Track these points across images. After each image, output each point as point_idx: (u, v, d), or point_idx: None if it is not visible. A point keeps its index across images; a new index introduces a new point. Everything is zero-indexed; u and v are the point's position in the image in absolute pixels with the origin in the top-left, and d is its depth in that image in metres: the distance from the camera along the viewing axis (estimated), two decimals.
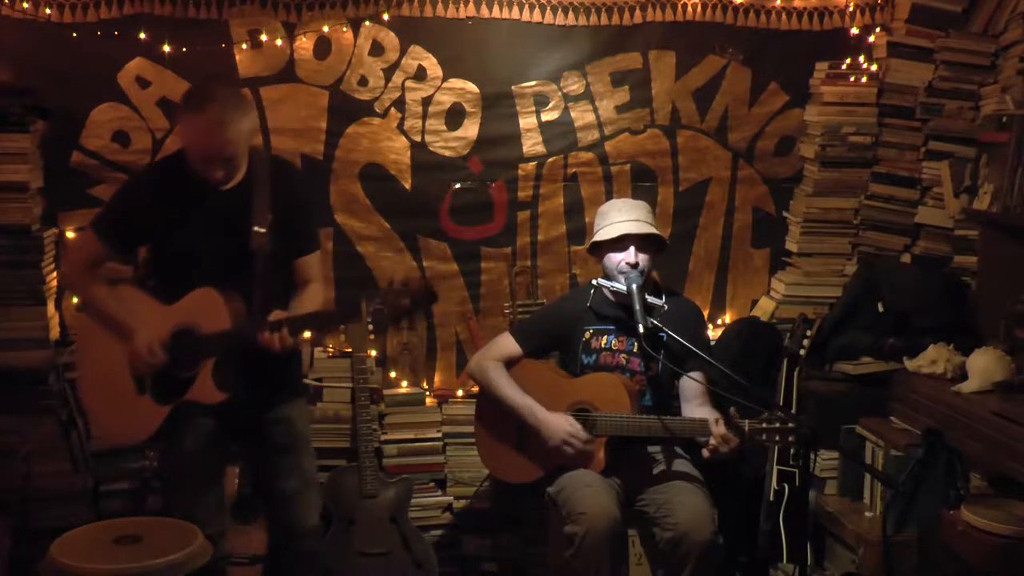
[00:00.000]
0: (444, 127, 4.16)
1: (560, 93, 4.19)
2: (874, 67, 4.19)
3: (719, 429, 3.10)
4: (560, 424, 3.32)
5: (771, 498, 3.58)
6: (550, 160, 4.23)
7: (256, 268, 2.90)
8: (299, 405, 3.18)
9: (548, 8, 4.10)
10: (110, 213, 3.03)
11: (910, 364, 3.77)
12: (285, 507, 3.10)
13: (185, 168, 2.89)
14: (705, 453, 3.15)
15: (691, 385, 3.39)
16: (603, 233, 3.42)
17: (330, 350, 4.13)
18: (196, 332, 2.90)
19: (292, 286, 3.05)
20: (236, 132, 2.82)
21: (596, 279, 3.47)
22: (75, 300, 3.94)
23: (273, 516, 3.18)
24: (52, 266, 3.88)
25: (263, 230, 2.90)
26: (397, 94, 4.11)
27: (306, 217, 3.10)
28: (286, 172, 3.10)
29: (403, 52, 4.09)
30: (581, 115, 4.22)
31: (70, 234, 3.94)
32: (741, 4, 4.19)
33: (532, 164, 4.23)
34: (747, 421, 3.08)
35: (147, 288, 3.02)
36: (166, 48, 3.88)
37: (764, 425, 3.06)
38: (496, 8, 4.08)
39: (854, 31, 4.24)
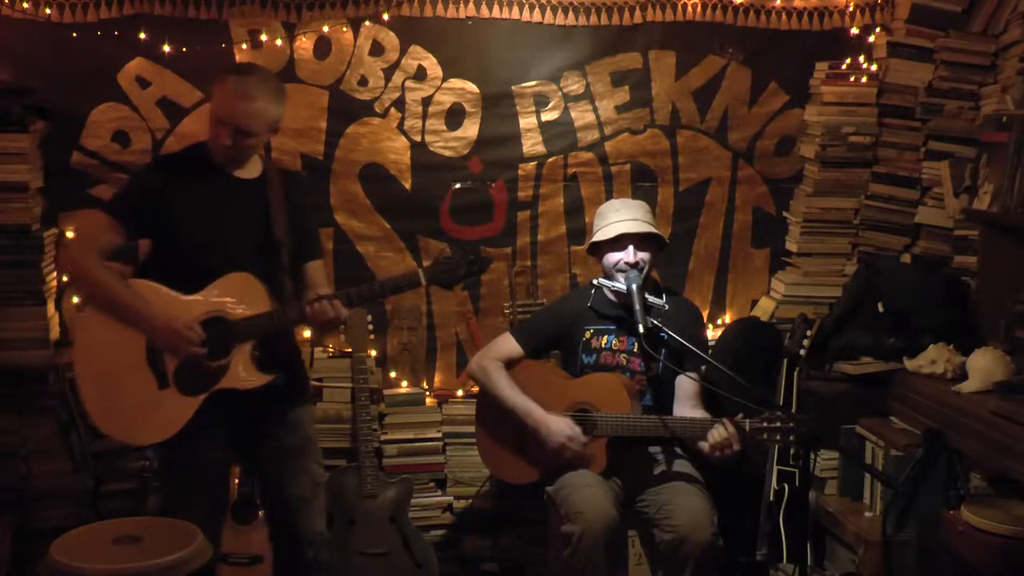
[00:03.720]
0: (444, 127, 4.16)
1: (560, 93, 4.19)
2: (874, 67, 4.19)
3: (726, 429, 3.10)
4: (559, 427, 3.32)
5: (771, 498, 3.58)
6: (550, 160, 4.24)
7: (281, 258, 2.93)
8: (308, 409, 3.20)
9: (548, 8, 4.10)
10: (128, 195, 2.99)
11: (910, 364, 3.77)
12: (295, 513, 3.08)
13: (205, 158, 2.93)
14: (705, 447, 3.15)
15: (686, 386, 3.40)
16: (601, 233, 3.42)
17: (330, 350, 4.13)
18: (228, 318, 2.86)
19: (302, 290, 3.05)
20: (263, 109, 2.87)
21: (597, 279, 3.47)
22: (75, 299, 3.97)
23: (282, 523, 3.13)
24: (52, 266, 3.88)
25: (282, 224, 2.96)
26: (397, 94, 4.11)
27: (312, 223, 3.19)
28: (295, 180, 3.19)
29: (403, 52, 4.09)
30: (581, 115, 4.22)
31: (70, 234, 3.94)
32: (741, 4, 4.19)
33: (532, 164, 4.23)
34: (748, 421, 3.09)
35: (158, 279, 2.91)
36: (166, 48, 3.88)
37: (765, 424, 3.06)
38: (496, 8, 4.08)
39: (854, 31, 4.24)
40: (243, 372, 2.86)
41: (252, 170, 3.00)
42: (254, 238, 2.93)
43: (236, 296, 2.87)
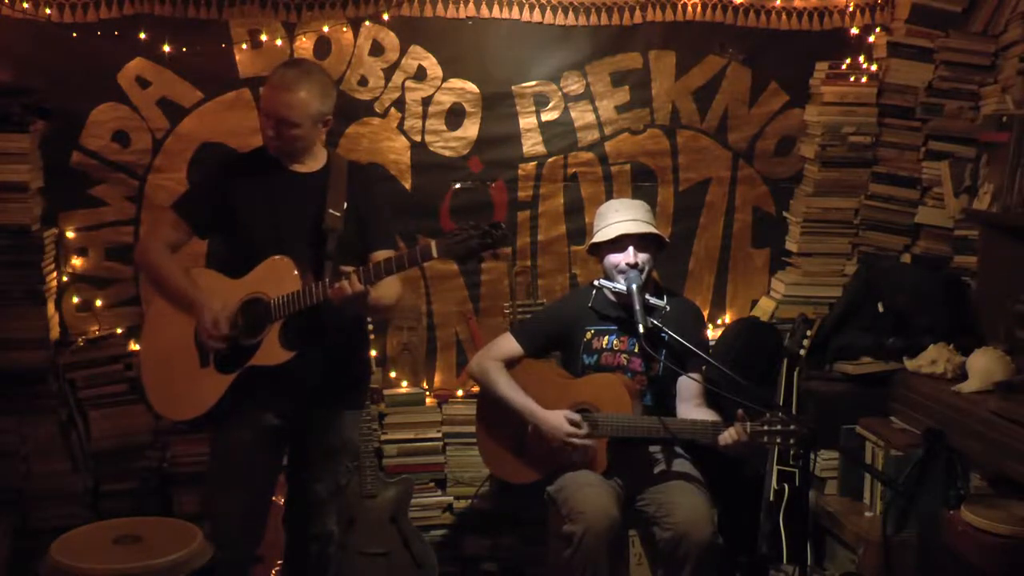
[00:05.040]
0: (444, 127, 4.16)
1: (560, 93, 4.19)
2: (874, 67, 4.19)
3: (736, 432, 3.10)
4: (560, 422, 3.32)
5: (771, 498, 3.58)
6: (550, 160, 4.23)
7: (327, 245, 2.98)
8: (357, 414, 3.32)
9: (548, 8, 4.10)
10: (193, 195, 3.14)
11: (910, 364, 3.77)
12: (313, 509, 3.17)
13: (265, 156, 3.03)
14: (724, 439, 3.15)
15: (689, 385, 3.40)
16: (601, 234, 3.42)
17: None
18: (264, 299, 2.94)
19: None
20: (300, 101, 2.92)
21: (597, 280, 3.47)
22: (75, 299, 3.98)
23: (299, 516, 3.21)
24: (52, 266, 3.88)
25: (337, 213, 3.00)
26: (397, 94, 4.11)
27: (381, 215, 3.18)
28: (363, 172, 3.26)
29: (403, 52, 4.09)
30: (581, 115, 4.22)
31: (70, 234, 3.94)
32: (741, 4, 4.19)
33: (532, 164, 4.23)
34: (748, 423, 3.09)
35: (219, 269, 3.07)
36: (166, 48, 3.88)
37: (765, 427, 3.06)
38: (496, 8, 4.08)
39: (854, 31, 4.24)
40: (270, 349, 2.93)
41: (312, 164, 3.07)
42: (306, 228, 2.99)
43: (272, 278, 2.95)
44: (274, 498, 3.32)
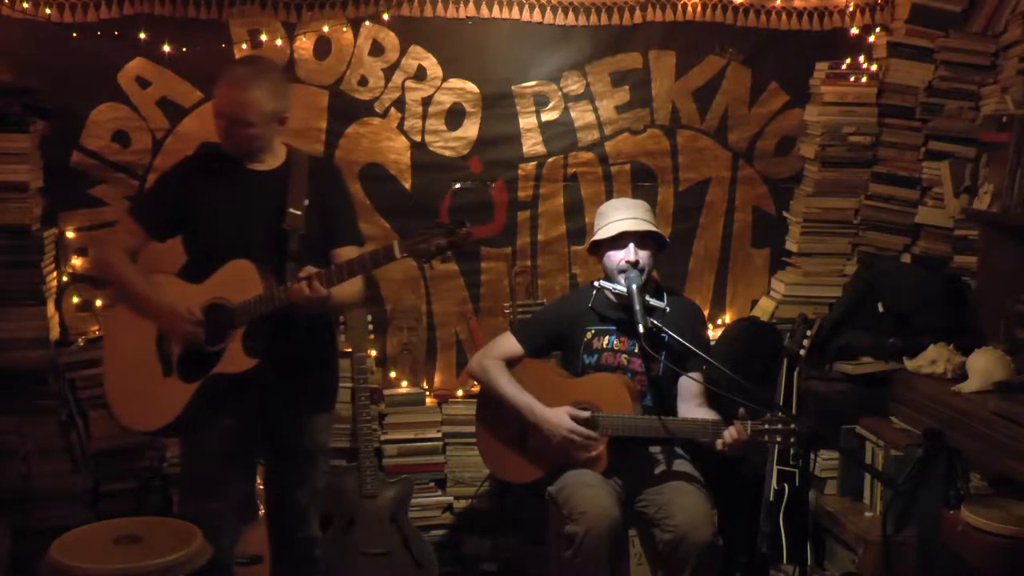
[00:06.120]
0: (444, 127, 4.16)
1: (560, 93, 4.19)
2: (874, 67, 4.19)
3: (737, 432, 3.10)
4: (562, 419, 3.32)
5: (771, 498, 3.59)
6: (550, 160, 4.23)
7: (290, 246, 2.93)
8: (328, 417, 3.23)
9: (548, 8, 4.10)
10: (148, 199, 3.11)
11: (910, 364, 3.77)
12: (298, 516, 3.16)
13: (221, 154, 2.97)
14: (719, 445, 3.15)
15: (690, 385, 3.40)
16: (602, 232, 3.42)
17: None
18: (227, 305, 2.89)
19: None
20: (254, 99, 2.87)
21: (598, 280, 3.47)
22: (75, 299, 3.98)
23: (282, 525, 3.20)
24: (52, 266, 3.88)
25: (298, 212, 2.94)
26: (397, 94, 4.11)
27: (345, 210, 3.13)
28: (325, 167, 3.20)
29: (403, 52, 4.09)
30: (581, 115, 4.22)
31: (70, 234, 3.94)
32: (741, 4, 4.20)
33: (532, 164, 4.23)
34: (749, 423, 3.09)
35: (181, 275, 3.02)
36: (166, 48, 3.88)
37: (766, 427, 3.06)
38: (496, 8, 4.08)
39: (854, 31, 4.24)
40: (234, 357, 2.88)
41: (272, 161, 3.02)
42: (267, 228, 2.94)
43: (233, 282, 2.90)
44: None
